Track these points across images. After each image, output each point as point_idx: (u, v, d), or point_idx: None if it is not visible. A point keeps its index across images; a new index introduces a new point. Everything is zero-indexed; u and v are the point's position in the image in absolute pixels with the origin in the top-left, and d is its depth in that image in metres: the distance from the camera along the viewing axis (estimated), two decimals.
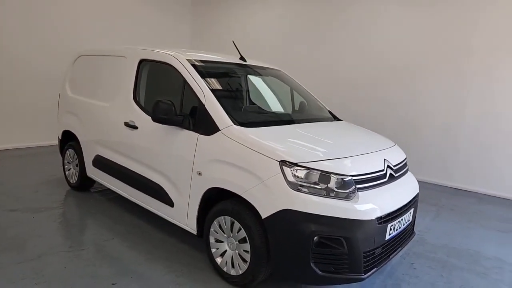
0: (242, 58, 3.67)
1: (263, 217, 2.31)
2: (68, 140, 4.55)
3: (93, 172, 4.05)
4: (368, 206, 2.25)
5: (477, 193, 5.44)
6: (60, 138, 4.59)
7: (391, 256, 2.52)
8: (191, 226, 2.89)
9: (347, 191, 2.24)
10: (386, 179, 2.54)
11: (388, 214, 2.37)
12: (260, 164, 2.34)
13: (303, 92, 3.93)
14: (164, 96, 3.43)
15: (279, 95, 3.99)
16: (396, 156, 2.85)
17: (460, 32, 5.39)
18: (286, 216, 2.21)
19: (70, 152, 4.43)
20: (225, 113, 2.69)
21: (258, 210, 2.33)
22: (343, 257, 2.19)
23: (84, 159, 4.14)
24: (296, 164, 2.25)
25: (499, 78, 5.15)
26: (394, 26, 5.97)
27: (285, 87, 3.96)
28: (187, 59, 3.09)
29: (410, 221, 2.75)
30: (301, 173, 2.24)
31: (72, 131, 4.27)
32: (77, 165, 4.32)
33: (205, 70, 3.08)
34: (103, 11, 7.22)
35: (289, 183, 2.22)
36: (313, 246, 2.16)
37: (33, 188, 4.44)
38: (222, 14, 8.34)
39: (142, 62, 3.45)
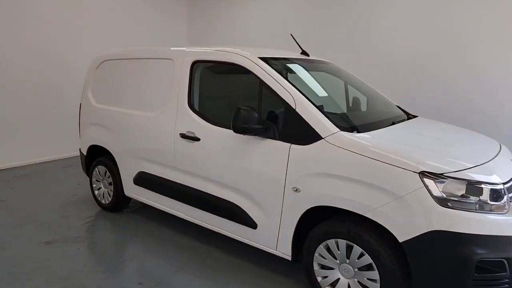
0: (304, 52, 3.26)
1: (400, 241, 1.95)
2: (95, 155, 4.02)
3: (134, 191, 3.55)
4: None
5: None
6: (85, 154, 4.05)
7: None
8: (283, 251, 2.49)
9: (501, 203, 1.91)
10: None
11: None
12: (392, 177, 1.97)
13: (363, 87, 3.56)
14: (227, 101, 3.01)
15: (336, 92, 3.62)
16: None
17: None
18: (435, 239, 1.85)
19: (100, 169, 3.90)
20: (326, 118, 2.30)
21: (393, 232, 1.97)
22: (503, 281, 1.87)
23: (121, 177, 3.63)
24: (441, 175, 1.90)
25: None
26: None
27: (340, 82, 3.60)
28: (260, 58, 2.66)
29: None
30: (447, 185, 1.89)
31: (103, 146, 3.75)
32: (110, 184, 3.81)
33: (282, 69, 2.66)
34: (96, 11, 6.56)
35: (435, 198, 1.87)
36: (474, 273, 1.83)
37: (59, 212, 3.89)
38: (220, 10, 7.77)
39: (195, 64, 2.99)
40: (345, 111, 3.28)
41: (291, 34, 3.39)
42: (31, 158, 5.93)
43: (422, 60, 5.37)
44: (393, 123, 2.70)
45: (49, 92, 6.03)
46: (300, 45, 3.44)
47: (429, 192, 1.88)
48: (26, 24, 5.61)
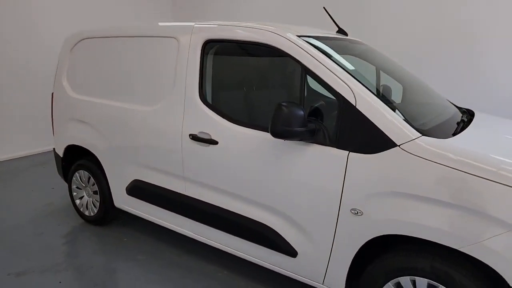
0: (340, 30, 2.67)
1: None
2: (75, 158, 3.31)
3: (127, 203, 2.90)
4: None
5: None
6: (61, 156, 3.32)
7: None
8: (333, 286, 1.97)
9: None
10: None
11: None
12: (504, 201, 1.46)
13: (400, 72, 2.97)
14: (254, 94, 2.40)
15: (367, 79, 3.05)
16: None
17: None
18: None
19: (81, 175, 3.20)
20: (402, 119, 1.75)
21: (503, 275, 1.47)
22: None
23: (110, 185, 2.97)
24: None
25: None
26: None
27: (370, 67, 3.03)
28: (300, 36, 2.05)
29: None
30: None
31: (85, 147, 3.04)
32: (95, 192, 3.13)
33: (330, 53, 2.07)
34: None
35: None
36: None
37: (32, 228, 3.18)
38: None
39: (208, 43, 2.33)
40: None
41: (324, 8, 2.76)
42: None
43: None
44: (463, 122, 2.19)
45: (17, 75, 5.12)
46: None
47: None
48: None
